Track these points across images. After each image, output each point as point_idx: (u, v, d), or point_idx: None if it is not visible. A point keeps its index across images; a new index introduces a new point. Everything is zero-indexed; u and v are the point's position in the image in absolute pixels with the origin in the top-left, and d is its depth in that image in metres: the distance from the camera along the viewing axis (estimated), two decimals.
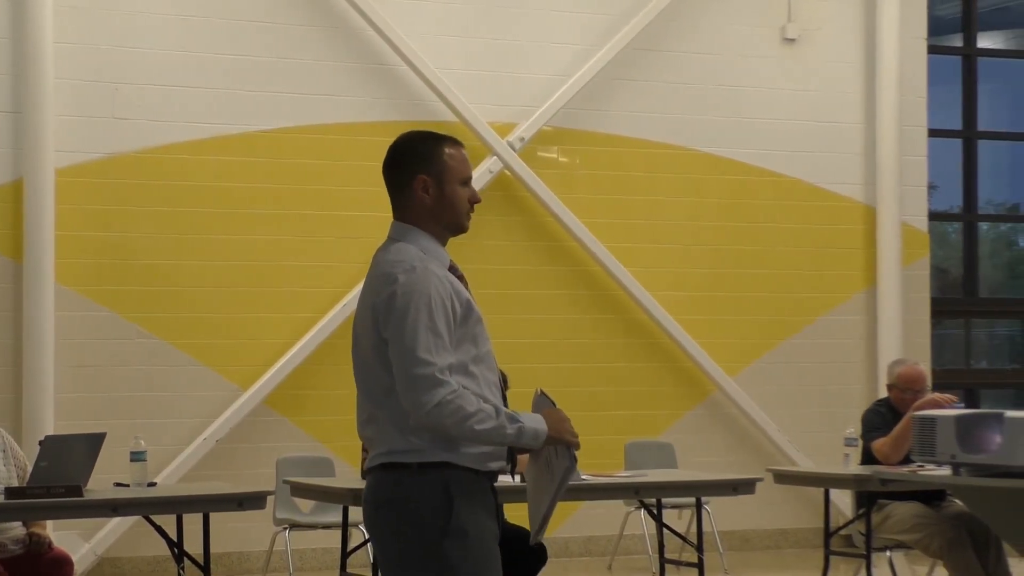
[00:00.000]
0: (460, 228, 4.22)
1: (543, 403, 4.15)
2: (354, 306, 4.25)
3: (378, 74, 11.03)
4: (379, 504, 4.06)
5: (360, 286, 4.29)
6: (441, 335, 3.96)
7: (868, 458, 8.27)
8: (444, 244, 4.21)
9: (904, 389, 8.26)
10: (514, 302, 11.25)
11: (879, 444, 8.11)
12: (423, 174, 4.15)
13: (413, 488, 4.00)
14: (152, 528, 7.18)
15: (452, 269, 4.18)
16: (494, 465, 4.10)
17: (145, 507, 7.20)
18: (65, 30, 10.26)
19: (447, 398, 3.90)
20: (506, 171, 11.22)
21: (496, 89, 11.29)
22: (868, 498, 8.09)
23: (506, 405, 4.10)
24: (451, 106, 11.03)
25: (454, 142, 4.24)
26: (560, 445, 4.05)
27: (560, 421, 4.05)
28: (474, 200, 4.22)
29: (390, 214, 4.23)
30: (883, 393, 8.64)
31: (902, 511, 8.07)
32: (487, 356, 4.13)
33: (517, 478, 4.32)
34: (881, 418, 8.25)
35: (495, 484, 4.16)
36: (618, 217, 11.60)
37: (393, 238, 4.18)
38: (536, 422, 4.01)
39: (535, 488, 4.16)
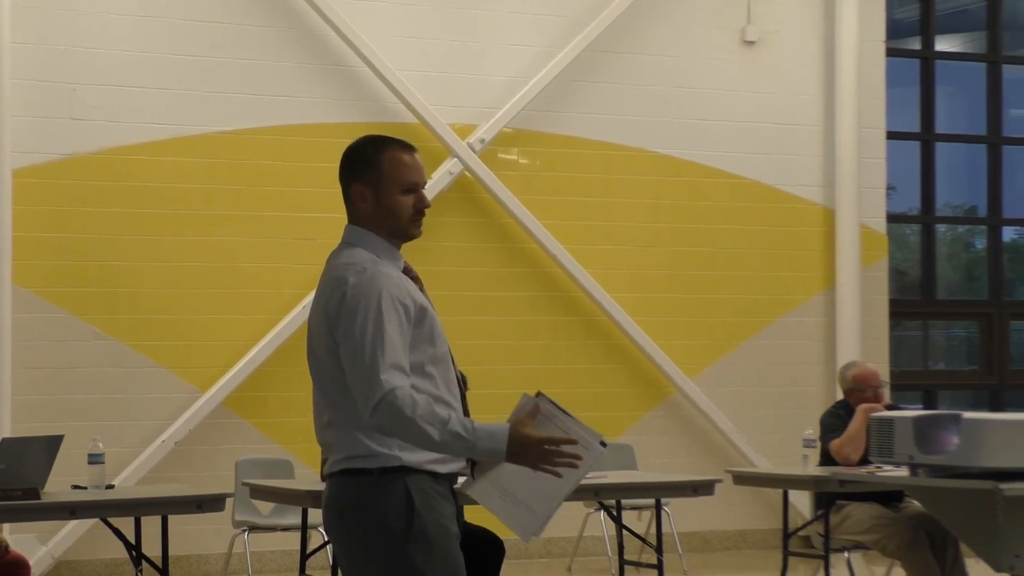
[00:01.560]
0: (405, 235, 4.13)
1: (527, 405, 4.08)
2: None
3: (337, 75, 11.00)
4: (342, 510, 4.04)
5: None
6: (392, 335, 3.91)
7: (827, 460, 8.30)
8: (398, 247, 4.15)
9: (863, 388, 8.34)
10: (473, 303, 11.24)
11: (837, 444, 8.15)
12: (357, 182, 4.10)
13: (374, 494, 3.97)
14: (110, 531, 7.13)
15: (407, 271, 4.16)
16: (453, 467, 4.09)
17: (103, 509, 7.15)
18: (22, 29, 10.19)
19: (393, 397, 3.84)
20: (466, 173, 11.21)
21: (456, 91, 11.27)
22: (826, 499, 8.12)
23: (466, 407, 4.07)
24: (411, 107, 11.01)
25: (403, 146, 4.14)
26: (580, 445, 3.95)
27: (544, 454, 3.93)
28: (421, 206, 4.11)
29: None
30: (842, 395, 8.67)
31: (860, 512, 8.10)
32: (444, 356, 4.10)
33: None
34: (840, 420, 8.28)
35: (455, 486, 4.15)
36: (578, 219, 11.61)
37: (346, 242, 4.14)
38: (494, 442, 3.89)
39: (535, 487, 4.02)
